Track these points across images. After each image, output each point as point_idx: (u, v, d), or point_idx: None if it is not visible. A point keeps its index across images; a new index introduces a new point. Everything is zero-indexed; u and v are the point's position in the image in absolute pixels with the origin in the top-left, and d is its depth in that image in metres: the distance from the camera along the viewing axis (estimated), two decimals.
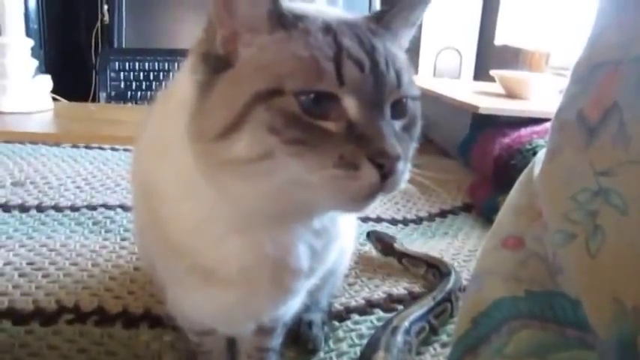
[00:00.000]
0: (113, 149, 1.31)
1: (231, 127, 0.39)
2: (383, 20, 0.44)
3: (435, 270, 0.83)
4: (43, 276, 0.78)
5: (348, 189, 0.39)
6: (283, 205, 0.43)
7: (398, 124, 0.42)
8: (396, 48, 0.44)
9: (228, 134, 0.39)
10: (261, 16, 0.40)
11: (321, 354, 0.68)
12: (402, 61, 0.43)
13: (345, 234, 0.58)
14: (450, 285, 0.76)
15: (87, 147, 1.32)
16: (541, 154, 0.55)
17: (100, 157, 1.27)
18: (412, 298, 0.78)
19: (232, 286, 0.49)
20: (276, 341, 0.61)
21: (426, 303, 0.70)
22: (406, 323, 0.64)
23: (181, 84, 0.45)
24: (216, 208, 0.45)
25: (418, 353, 0.66)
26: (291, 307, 0.55)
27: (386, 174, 0.39)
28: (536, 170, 0.54)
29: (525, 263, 0.50)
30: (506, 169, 0.99)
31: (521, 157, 0.98)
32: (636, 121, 0.42)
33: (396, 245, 0.89)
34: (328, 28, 0.41)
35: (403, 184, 0.43)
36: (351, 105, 0.39)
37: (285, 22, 0.40)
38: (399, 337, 0.62)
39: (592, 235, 0.42)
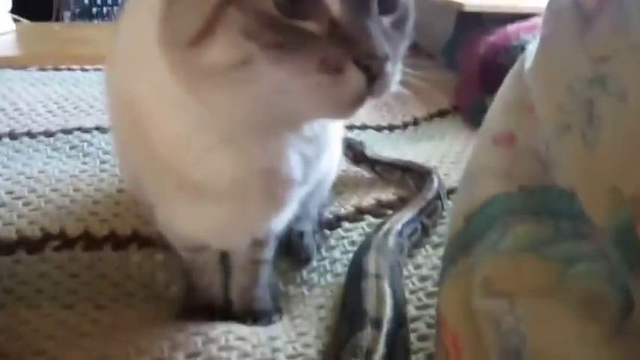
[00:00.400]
0: (83, 70, 1.24)
1: (203, 32, 0.36)
2: None
3: (412, 173, 0.82)
4: (24, 204, 0.76)
5: (333, 95, 0.36)
6: (268, 115, 0.41)
7: (387, 20, 0.39)
8: None
9: (201, 40, 0.37)
10: None
11: (314, 263, 0.68)
12: None
13: (333, 141, 0.56)
14: (435, 183, 0.75)
15: (55, 69, 1.25)
16: (532, 48, 0.52)
17: (70, 79, 1.21)
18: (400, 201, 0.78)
19: (224, 200, 0.47)
20: (269, 253, 0.60)
21: (417, 204, 0.70)
22: (398, 226, 0.64)
23: None
24: (201, 118, 0.43)
25: (410, 255, 0.67)
26: (284, 218, 0.54)
27: (373, 76, 0.36)
28: (527, 64, 0.52)
29: (517, 159, 0.48)
30: (493, 69, 0.96)
31: (508, 54, 0.95)
32: (637, 5, 0.40)
33: (368, 152, 0.86)
34: None
35: (394, 87, 0.41)
36: (333, 1, 0.36)
37: None
38: (391, 240, 0.62)
39: (587, 125, 0.40)
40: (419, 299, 0.60)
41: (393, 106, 1.13)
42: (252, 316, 0.61)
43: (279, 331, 0.58)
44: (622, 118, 0.38)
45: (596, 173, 0.38)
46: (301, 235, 0.70)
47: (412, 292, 0.60)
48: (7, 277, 0.64)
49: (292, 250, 0.69)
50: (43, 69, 1.26)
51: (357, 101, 0.37)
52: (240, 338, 0.55)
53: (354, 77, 0.36)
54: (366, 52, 0.36)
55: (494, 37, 1.02)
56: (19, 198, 0.77)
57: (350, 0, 0.36)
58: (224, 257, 0.62)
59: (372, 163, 0.86)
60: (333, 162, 0.67)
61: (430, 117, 1.08)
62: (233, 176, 0.45)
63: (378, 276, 0.55)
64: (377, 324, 0.49)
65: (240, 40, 0.35)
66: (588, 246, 0.39)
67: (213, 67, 0.37)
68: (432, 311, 0.58)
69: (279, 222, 0.54)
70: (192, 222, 0.50)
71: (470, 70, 1.10)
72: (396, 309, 0.52)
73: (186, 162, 0.45)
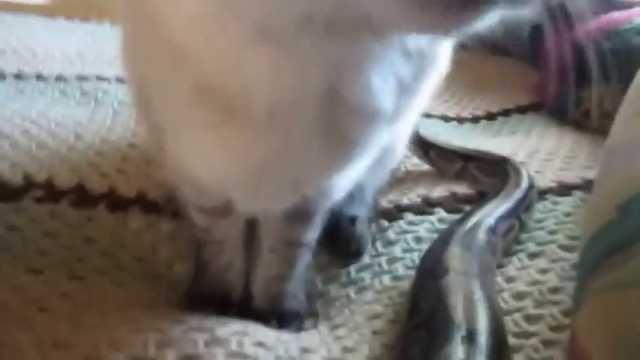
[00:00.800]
0: (112, 25, 1.12)
1: None
2: None
3: (479, 162, 0.64)
4: (11, 145, 0.62)
5: None
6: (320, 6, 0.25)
7: None
8: None
9: None
10: None
11: (367, 258, 0.51)
12: None
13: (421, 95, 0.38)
14: (523, 172, 0.58)
15: (83, 20, 1.13)
16: None
17: (98, 31, 1.08)
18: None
19: (261, 129, 0.31)
20: (313, 233, 0.44)
21: (513, 194, 0.52)
22: (491, 220, 0.47)
23: None
24: None
25: (503, 256, 0.50)
26: (348, 179, 0.38)
27: None
28: None
29: None
30: (596, 55, 0.79)
31: (618, 38, 0.78)
32: None
33: (421, 132, 0.66)
34: None
35: None
36: None
37: None
38: (481, 236, 0.45)
39: None
40: (515, 323, 0.42)
41: (460, 97, 0.97)
42: (279, 317, 0.44)
43: (316, 342, 0.41)
44: None
45: None
46: (353, 220, 0.53)
47: (505, 313, 0.43)
48: None
49: (339, 240, 0.52)
50: (70, 19, 1.13)
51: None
52: (260, 344, 0.38)
53: None
54: None
55: (598, 24, 0.85)
56: (5, 137, 0.63)
57: None
58: (251, 232, 0.45)
59: (426, 147, 0.67)
60: (406, 129, 0.51)
61: (507, 112, 0.90)
62: (276, 93, 0.29)
63: (465, 273, 0.39)
64: (470, 337, 0.33)
65: None
66: None
67: None
68: (534, 341, 0.41)
69: (340, 185, 0.38)
70: (213, 157, 0.33)
71: (557, 62, 0.92)
72: (493, 318, 0.35)
73: (208, 59, 0.29)
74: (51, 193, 0.55)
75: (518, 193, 0.53)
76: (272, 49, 0.28)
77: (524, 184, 0.55)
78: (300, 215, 0.41)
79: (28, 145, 0.62)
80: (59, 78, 0.83)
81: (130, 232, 0.52)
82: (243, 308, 0.45)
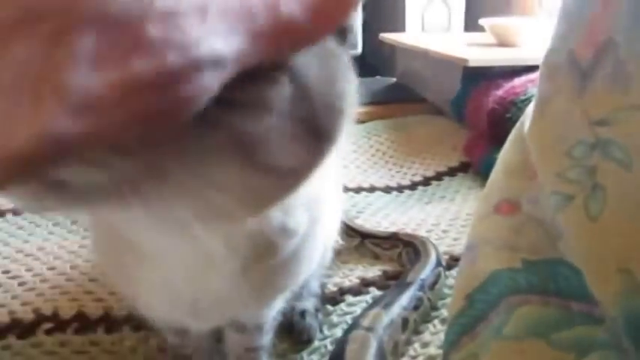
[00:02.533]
0: None
1: None
2: None
3: (410, 247, 0.75)
4: (20, 284, 0.74)
5: None
6: None
7: None
8: None
9: None
10: None
11: (315, 342, 0.64)
12: None
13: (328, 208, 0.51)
14: (432, 254, 0.70)
15: None
16: (531, 108, 0.49)
17: None
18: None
19: (175, 267, 0.40)
20: (266, 338, 0.56)
21: (419, 276, 0.65)
22: (396, 309, 0.59)
23: None
24: None
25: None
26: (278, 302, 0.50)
27: None
28: (527, 125, 0.49)
29: (521, 230, 0.44)
30: (502, 123, 0.93)
31: (516, 109, 0.92)
32: (636, 58, 0.37)
33: (353, 222, 0.78)
34: None
35: None
36: None
37: None
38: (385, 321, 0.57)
39: (591, 195, 0.36)
40: None
41: (401, 164, 1.11)
42: None
43: None
44: (627, 188, 0.34)
45: (603, 251, 0.34)
46: (303, 314, 0.66)
47: None
48: None
49: (293, 332, 0.65)
50: None
51: None
52: None
53: None
54: None
55: (501, 92, 0.99)
56: (14, 278, 0.75)
57: None
58: (218, 342, 0.58)
59: (362, 236, 0.79)
60: (332, 228, 0.63)
61: (440, 176, 1.04)
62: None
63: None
64: None
65: None
66: (601, 333, 0.35)
67: None
68: None
69: (275, 305, 0.51)
70: (149, 294, 0.44)
71: (478, 125, 1.07)
72: None
73: None
74: (58, 323, 0.67)
75: (424, 274, 0.65)
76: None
77: (430, 265, 0.67)
78: (246, 329, 0.53)
79: (33, 281, 0.75)
80: None
81: (125, 349, 0.65)
82: None
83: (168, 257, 0.39)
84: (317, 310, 0.67)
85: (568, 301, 0.37)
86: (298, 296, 0.65)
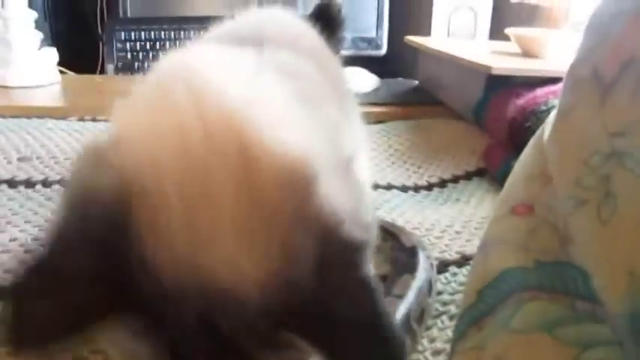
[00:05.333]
0: None
1: None
2: None
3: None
4: None
5: None
6: None
7: None
8: None
9: None
10: None
11: None
12: None
13: None
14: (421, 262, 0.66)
15: (93, 120, 1.30)
16: (552, 116, 0.52)
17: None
18: None
19: None
20: None
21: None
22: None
23: None
24: None
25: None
26: None
27: None
28: (547, 133, 0.51)
29: (535, 232, 0.47)
30: (521, 133, 0.95)
31: (536, 119, 0.93)
32: None
33: None
34: None
35: None
36: None
37: None
38: None
39: (604, 202, 0.39)
40: None
41: (419, 165, 1.13)
42: None
43: None
44: (638, 196, 0.36)
45: (612, 255, 0.36)
46: None
47: None
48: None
49: None
50: (82, 119, 1.31)
51: None
52: None
53: None
54: None
55: (523, 101, 1.01)
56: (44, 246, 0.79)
57: None
58: None
59: None
60: None
61: (456, 179, 1.06)
62: None
63: None
64: None
65: None
66: (605, 330, 0.37)
67: None
68: None
69: None
70: None
71: (498, 133, 1.09)
72: None
73: None
74: None
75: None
76: None
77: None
78: None
79: None
80: None
81: None
82: None
83: None
84: None
85: (574, 300, 0.40)
86: None
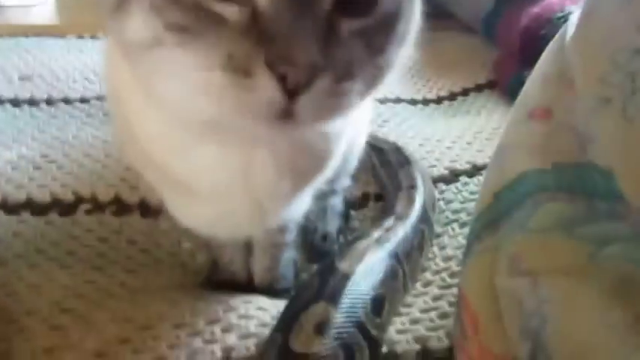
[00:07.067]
0: None
1: (120, 2, 0.32)
2: None
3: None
4: (58, 168, 0.78)
5: (241, 102, 0.30)
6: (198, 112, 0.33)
7: (348, 25, 0.31)
8: None
9: (119, 10, 0.32)
10: None
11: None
12: None
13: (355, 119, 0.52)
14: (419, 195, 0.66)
15: (93, 37, 1.26)
16: (574, 18, 0.49)
17: None
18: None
19: (209, 202, 0.45)
20: (289, 236, 0.59)
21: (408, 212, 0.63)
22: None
23: None
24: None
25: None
26: (293, 210, 0.51)
27: (292, 90, 0.29)
28: (569, 35, 0.49)
29: (553, 135, 0.46)
30: (535, 41, 0.91)
31: (552, 26, 0.90)
32: None
33: None
34: None
35: (342, 113, 0.32)
36: None
37: None
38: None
39: (629, 98, 0.38)
40: (442, 279, 0.59)
41: (428, 78, 1.11)
42: (273, 293, 0.60)
43: None
44: None
45: (636, 149, 0.36)
46: (324, 238, 0.68)
47: (436, 272, 0.59)
48: (39, 237, 0.66)
49: (313, 254, 0.67)
50: (81, 37, 1.27)
51: (272, 116, 0.30)
52: (260, 308, 0.55)
53: (265, 85, 0.29)
54: (282, 55, 0.28)
55: (538, 9, 0.97)
56: (53, 162, 0.79)
57: None
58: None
59: None
60: (359, 134, 0.62)
61: (466, 91, 1.04)
62: (213, 178, 0.43)
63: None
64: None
65: (149, 15, 0.30)
66: (624, 227, 0.37)
67: (130, 41, 0.32)
68: (454, 290, 0.57)
69: (288, 214, 0.51)
70: (190, 217, 0.49)
71: (510, 43, 1.05)
72: None
73: (168, 161, 0.43)
74: (96, 205, 0.71)
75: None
76: (210, 148, 0.41)
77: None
78: (272, 230, 0.56)
79: (71, 166, 0.79)
80: (83, 100, 0.97)
81: (160, 232, 0.69)
82: (248, 287, 0.61)
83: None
84: (339, 232, 0.69)
85: (593, 199, 0.40)
86: (322, 218, 0.68)
